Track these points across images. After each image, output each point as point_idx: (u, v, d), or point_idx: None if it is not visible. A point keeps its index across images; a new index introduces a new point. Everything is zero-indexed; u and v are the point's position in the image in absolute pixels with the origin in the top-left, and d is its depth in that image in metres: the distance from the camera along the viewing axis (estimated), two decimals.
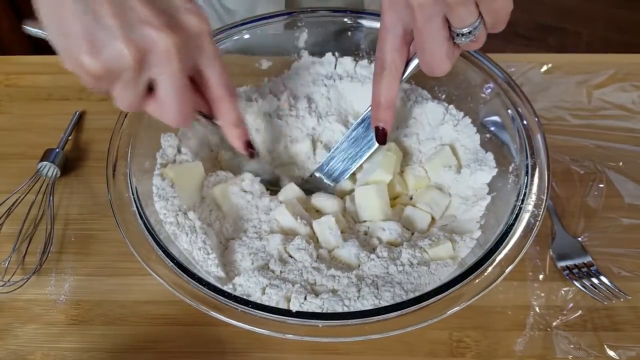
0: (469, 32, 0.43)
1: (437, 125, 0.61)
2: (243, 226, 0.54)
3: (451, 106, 0.61)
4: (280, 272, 0.49)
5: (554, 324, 0.53)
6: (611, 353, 0.51)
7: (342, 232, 0.53)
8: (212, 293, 0.44)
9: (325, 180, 0.59)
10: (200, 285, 0.44)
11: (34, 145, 0.66)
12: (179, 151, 0.57)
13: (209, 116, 0.48)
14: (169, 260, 0.45)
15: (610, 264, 0.57)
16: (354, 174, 0.59)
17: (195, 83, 0.45)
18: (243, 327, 0.42)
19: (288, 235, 0.53)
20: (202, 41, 0.42)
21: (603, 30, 1.90)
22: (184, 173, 0.54)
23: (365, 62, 0.64)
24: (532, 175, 0.50)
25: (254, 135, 0.62)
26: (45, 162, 0.63)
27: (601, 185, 0.63)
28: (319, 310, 0.45)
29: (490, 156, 0.56)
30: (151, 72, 0.39)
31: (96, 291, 0.56)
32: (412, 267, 0.49)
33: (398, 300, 0.46)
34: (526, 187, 0.49)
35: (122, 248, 0.49)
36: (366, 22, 0.63)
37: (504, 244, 0.46)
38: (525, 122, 0.53)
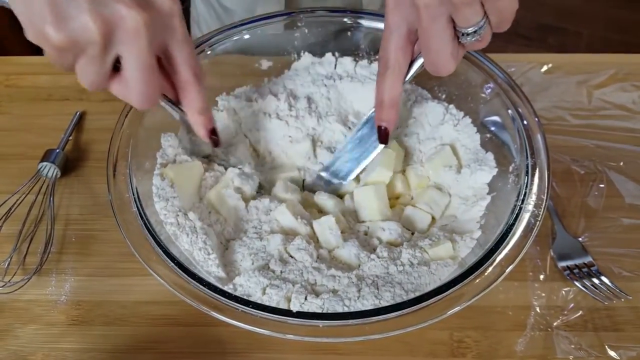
0: (474, 32, 0.43)
1: (437, 125, 0.61)
2: (243, 227, 0.54)
3: (451, 106, 0.61)
4: (281, 272, 0.49)
5: (555, 324, 0.53)
6: (612, 353, 0.51)
7: (342, 232, 0.53)
8: (213, 293, 0.44)
9: (332, 180, 0.59)
10: (200, 286, 0.44)
11: (34, 146, 0.66)
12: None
13: (174, 101, 0.47)
14: (169, 261, 0.45)
15: (610, 264, 0.57)
16: (358, 175, 0.59)
17: (162, 66, 0.44)
18: (243, 328, 0.42)
19: (288, 235, 0.53)
20: (172, 21, 0.41)
21: (603, 30, 1.90)
22: (183, 173, 0.54)
23: (365, 62, 0.64)
24: (533, 175, 0.50)
25: (254, 135, 0.62)
26: (45, 163, 0.63)
27: (602, 185, 0.63)
28: (319, 311, 0.45)
29: (490, 156, 0.56)
30: (118, 49, 0.38)
31: (97, 292, 0.56)
32: (412, 267, 0.49)
33: (398, 300, 0.46)
34: (526, 187, 0.49)
35: (123, 248, 0.49)
36: (366, 22, 0.63)
37: (504, 244, 0.46)
38: (525, 122, 0.53)
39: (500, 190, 0.54)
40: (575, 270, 0.56)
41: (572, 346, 0.52)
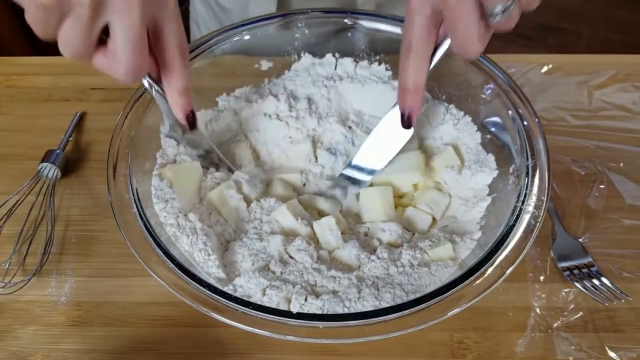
0: (503, 11, 0.41)
1: (438, 125, 0.61)
2: (244, 227, 0.54)
3: (451, 105, 0.61)
4: (281, 273, 0.49)
5: (555, 325, 0.53)
6: (612, 354, 0.51)
7: (342, 233, 0.53)
8: (213, 294, 0.44)
9: (357, 176, 0.58)
10: (200, 287, 0.44)
11: (34, 146, 0.66)
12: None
13: (156, 80, 0.46)
14: (169, 262, 0.45)
15: (611, 265, 0.57)
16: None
17: (149, 42, 0.42)
18: (243, 329, 0.42)
19: (289, 236, 0.53)
20: None
21: (604, 30, 1.90)
22: (182, 173, 0.54)
23: (365, 63, 0.64)
24: (533, 176, 0.50)
25: (254, 136, 0.62)
26: (45, 163, 0.63)
27: (602, 186, 0.63)
28: (319, 312, 0.45)
29: (491, 157, 0.56)
30: (108, 17, 0.37)
31: (97, 292, 0.56)
32: (412, 268, 0.49)
33: (398, 301, 0.46)
34: (527, 188, 0.49)
35: (123, 249, 0.49)
36: (366, 23, 0.63)
37: (504, 245, 0.46)
38: (525, 123, 0.53)
39: (500, 191, 0.54)
40: (576, 271, 0.56)
41: (572, 347, 0.52)
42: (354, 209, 0.58)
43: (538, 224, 0.47)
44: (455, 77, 0.59)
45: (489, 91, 0.57)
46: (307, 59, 0.65)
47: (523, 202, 0.48)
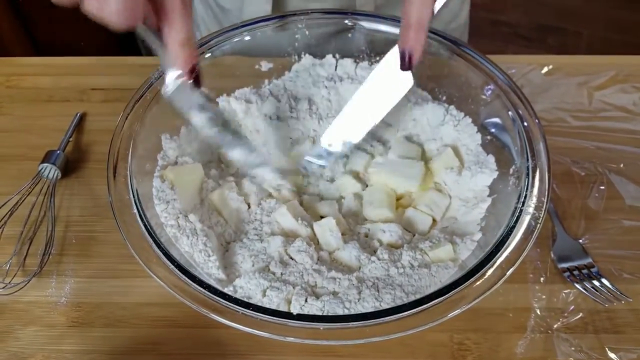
0: None
1: (438, 126, 0.61)
2: (244, 228, 0.54)
3: (451, 107, 0.61)
4: (281, 274, 0.49)
5: (555, 326, 0.53)
6: (612, 356, 0.51)
7: (342, 234, 0.53)
8: (213, 295, 0.44)
9: (332, 151, 0.55)
10: (200, 288, 0.44)
11: (34, 147, 0.66)
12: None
13: (155, 31, 0.42)
14: (169, 263, 0.45)
15: (611, 266, 0.57)
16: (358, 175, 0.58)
17: None
18: (244, 330, 0.42)
19: (289, 237, 0.53)
20: None
21: (604, 30, 1.90)
22: (183, 175, 0.54)
23: (365, 63, 0.64)
24: (533, 177, 0.50)
25: (255, 137, 0.62)
26: (46, 164, 0.63)
27: (602, 187, 0.63)
28: (319, 313, 0.45)
29: (491, 159, 0.56)
30: None
31: (97, 293, 0.56)
32: (412, 269, 0.49)
33: (399, 302, 0.46)
34: (527, 189, 0.49)
35: (123, 250, 0.49)
36: (366, 24, 0.63)
37: (504, 246, 0.46)
38: (525, 124, 0.53)
39: (500, 192, 0.54)
40: (576, 272, 0.56)
41: (573, 348, 0.52)
42: (354, 209, 0.58)
43: (538, 225, 0.47)
44: (455, 78, 0.59)
45: (489, 92, 0.57)
46: (307, 59, 0.65)
47: (523, 203, 0.48)
